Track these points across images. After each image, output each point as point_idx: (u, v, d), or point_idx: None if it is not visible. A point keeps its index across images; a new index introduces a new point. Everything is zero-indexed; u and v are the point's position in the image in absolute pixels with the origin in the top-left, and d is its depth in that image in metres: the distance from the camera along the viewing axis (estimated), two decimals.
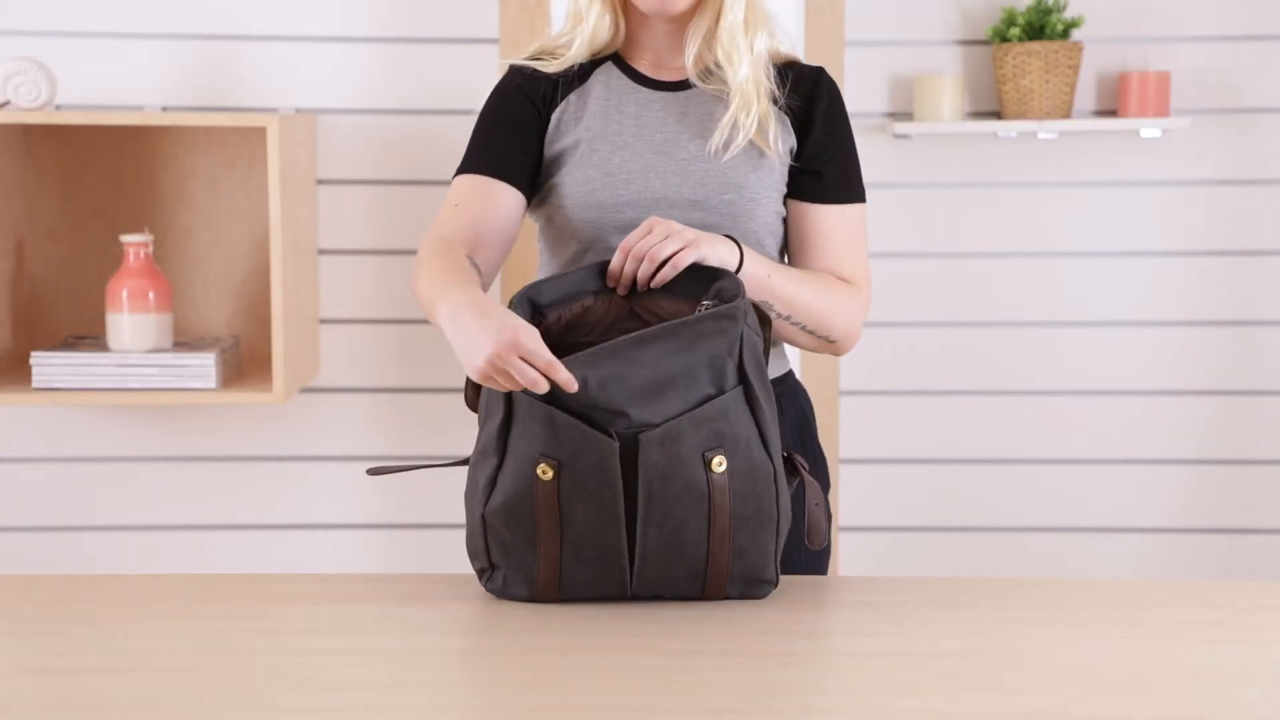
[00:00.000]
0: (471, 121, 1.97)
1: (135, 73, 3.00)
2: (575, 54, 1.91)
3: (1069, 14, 3.06)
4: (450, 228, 1.85)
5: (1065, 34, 3.00)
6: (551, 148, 1.90)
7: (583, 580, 1.60)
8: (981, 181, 3.13)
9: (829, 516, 1.70)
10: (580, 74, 1.92)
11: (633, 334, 1.59)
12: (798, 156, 1.91)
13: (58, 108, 2.97)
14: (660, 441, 1.56)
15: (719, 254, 1.74)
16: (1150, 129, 3.03)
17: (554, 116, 1.91)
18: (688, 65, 1.90)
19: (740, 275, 1.75)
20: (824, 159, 1.90)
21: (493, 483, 1.60)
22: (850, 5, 3.08)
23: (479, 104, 1.99)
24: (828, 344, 1.90)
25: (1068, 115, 3.03)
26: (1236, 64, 3.09)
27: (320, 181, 3.06)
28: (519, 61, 1.95)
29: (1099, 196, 3.13)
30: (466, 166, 1.91)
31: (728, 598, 1.63)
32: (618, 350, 1.57)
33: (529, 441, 1.58)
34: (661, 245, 1.69)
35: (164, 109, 3.02)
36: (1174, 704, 1.36)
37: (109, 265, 3.00)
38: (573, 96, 1.91)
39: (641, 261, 1.70)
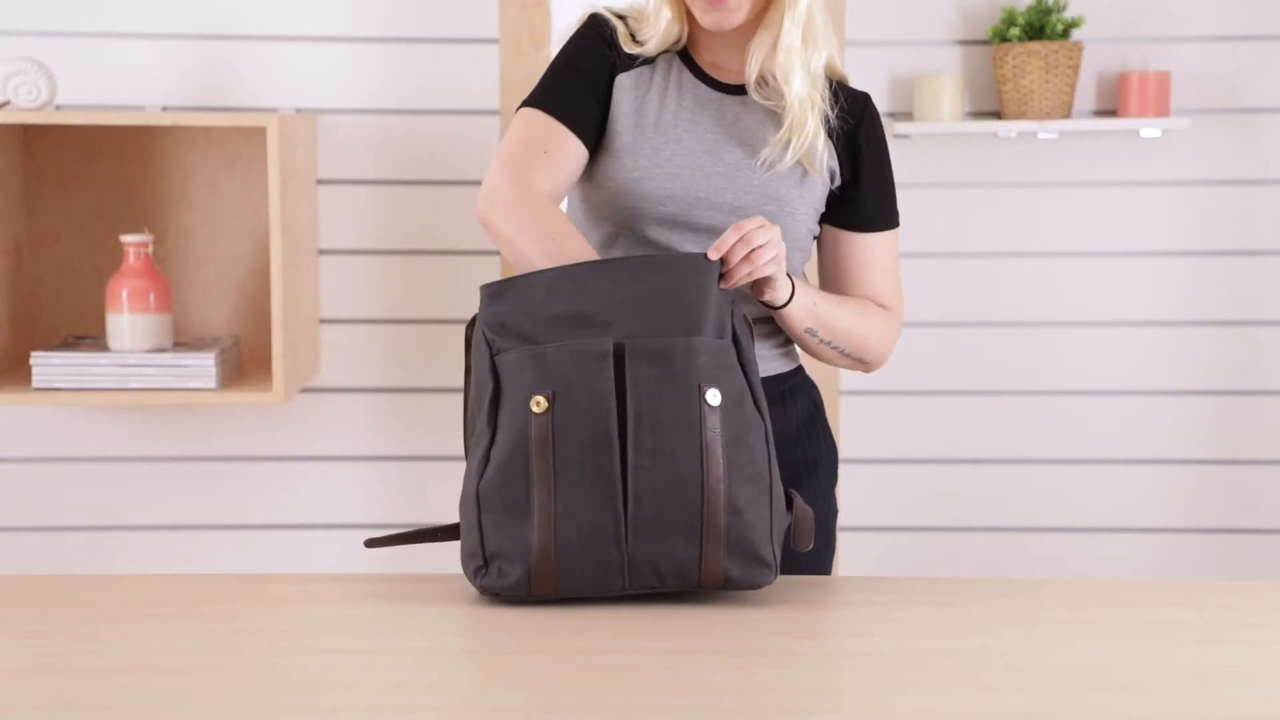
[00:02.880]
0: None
1: (135, 73, 3.01)
2: (648, 50, 1.93)
3: (1069, 14, 3.06)
4: (540, 176, 1.83)
5: (1065, 34, 3.00)
6: (609, 118, 1.92)
7: (578, 543, 1.58)
8: (981, 181, 3.13)
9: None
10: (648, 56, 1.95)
11: (651, 255, 1.68)
12: (843, 186, 1.95)
13: (58, 108, 2.97)
14: (650, 357, 1.60)
15: (784, 286, 1.79)
16: (1150, 129, 3.03)
17: (618, 82, 1.92)
18: (748, 78, 1.92)
19: (791, 304, 1.82)
20: (868, 191, 1.95)
21: (486, 459, 1.61)
22: (850, 5, 3.08)
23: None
24: (860, 364, 1.97)
25: (1068, 115, 3.03)
26: (1236, 64, 3.09)
27: (320, 181, 3.06)
28: (606, 14, 1.95)
29: (1099, 196, 3.13)
30: (545, 104, 1.88)
31: (727, 579, 1.61)
32: (632, 266, 1.64)
33: (519, 392, 1.60)
34: (764, 249, 1.70)
35: (164, 109, 3.02)
36: (1174, 704, 1.36)
37: (109, 265, 3.00)
38: (633, 74, 1.92)
39: (744, 255, 1.70)
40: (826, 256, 1.99)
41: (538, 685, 1.40)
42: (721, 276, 1.68)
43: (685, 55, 1.95)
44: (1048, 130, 3.02)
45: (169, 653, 1.47)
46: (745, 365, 1.66)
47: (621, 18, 1.95)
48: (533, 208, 1.78)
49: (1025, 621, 1.59)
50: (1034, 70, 2.98)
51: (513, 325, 1.63)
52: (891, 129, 3.05)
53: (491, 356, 1.64)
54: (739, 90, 1.93)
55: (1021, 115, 3.02)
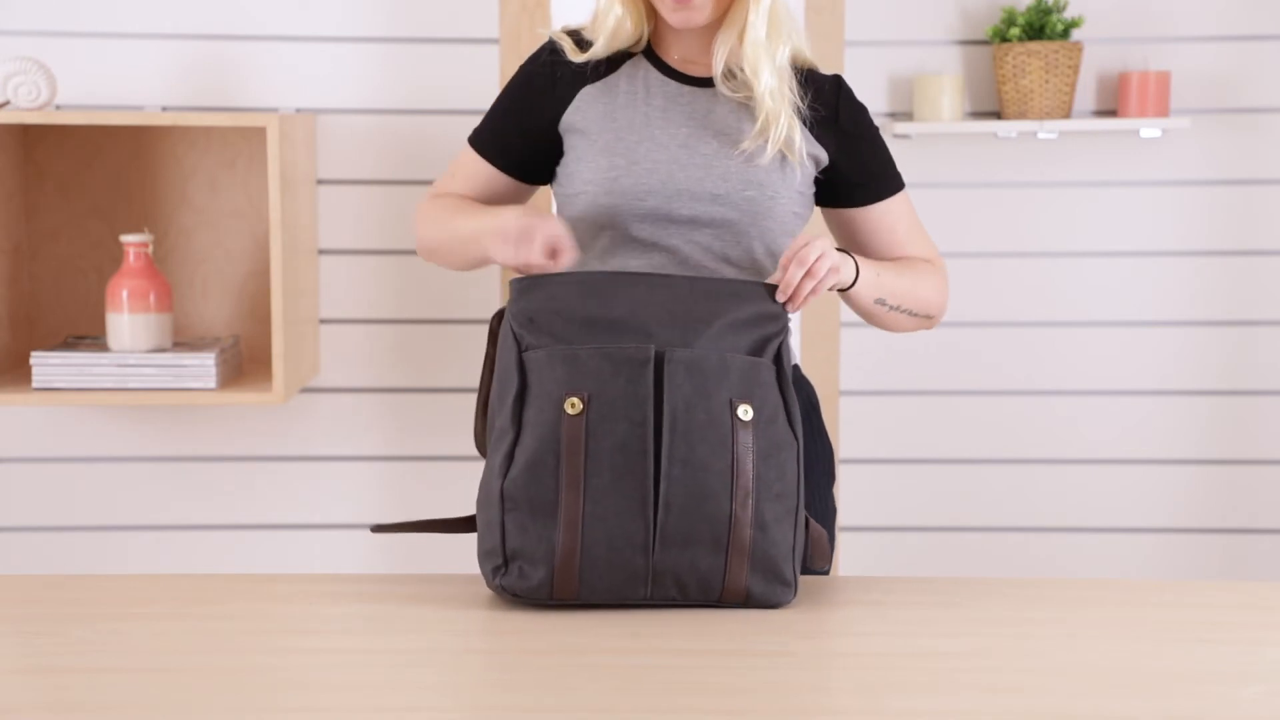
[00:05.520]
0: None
1: (135, 73, 3.01)
2: (596, 51, 1.94)
3: (1069, 14, 3.06)
4: (442, 190, 2.04)
5: (1065, 34, 3.00)
6: (570, 131, 1.93)
7: (605, 548, 1.57)
8: (981, 181, 3.13)
9: (829, 525, 1.71)
10: (609, 62, 1.95)
11: (699, 277, 1.68)
12: (842, 170, 1.96)
13: (58, 108, 2.97)
14: (689, 368, 1.60)
15: (848, 271, 1.82)
16: (1150, 129, 3.03)
17: (576, 99, 1.93)
18: (715, 72, 1.93)
19: (859, 282, 1.84)
20: (867, 166, 1.98)
21: (510, 457, 1.61)
22: (850, 5, 3.09)
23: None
24: (926, 320, 2.00)
25: (1068, 115, 3.03)
26: (1236, 64, 3.09)
27: (320, 181, 3.06)
28: (557, 36, 1.98)
29: (1099, 196, 3.13)
30: (477, 140, 2.01)
31: (748, 595, 1.61)
32: (671, 282, 1.66)
33: (547, 390, 1.60)
34: (819, 264, 1.73)
35: (164, 109, 3.02)
36: (1174, 704, 1.36)
37: (109, 265, 3.00)
38: (600, 84, 1.94)
39: (805, 277, 1.72)
40: (851, 238, 2.02)
41: (539, 685, 1.40)
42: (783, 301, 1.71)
43: (652, 55, 1.96)
44: (1048, 130, 3.02)
45: (169, 653, 1.47)
46: (783, 386, 1.66)
47: (575, 32, 1.97)
48: (429, 205, 2.02)
49: (1025, 621, 1.59)
50: (1034, 70, 2.98)
51: (543, 322, 1.64)
52: (891, 129, 3.05)
53: (519, 353, 1.64)
54: (709, 83, 1.94)
55: (1021, 115, 3.02)
